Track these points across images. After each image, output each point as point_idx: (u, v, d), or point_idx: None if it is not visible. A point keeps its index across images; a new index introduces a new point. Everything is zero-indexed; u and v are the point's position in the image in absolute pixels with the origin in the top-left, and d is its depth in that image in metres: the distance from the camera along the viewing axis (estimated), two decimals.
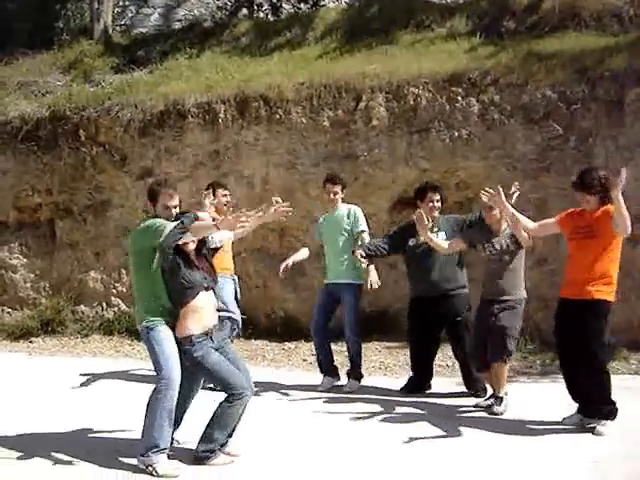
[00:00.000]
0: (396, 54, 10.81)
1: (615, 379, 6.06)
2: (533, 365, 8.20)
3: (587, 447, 5.49)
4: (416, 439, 5.75)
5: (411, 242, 7.29)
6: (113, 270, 11.07)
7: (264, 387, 7.58)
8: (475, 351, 6.63)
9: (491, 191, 6.16)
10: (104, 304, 11.17)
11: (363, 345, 7.91)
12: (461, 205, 9.27)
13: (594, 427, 5.78)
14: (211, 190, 7.54)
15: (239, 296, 7.76)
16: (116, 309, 10.96)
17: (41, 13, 15.01)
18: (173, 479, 4.99)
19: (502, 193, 6.07)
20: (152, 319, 5.24)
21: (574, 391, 6.02)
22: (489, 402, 6.64)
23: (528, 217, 6.44)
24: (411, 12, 12.00)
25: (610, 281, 5.83)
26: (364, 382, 7.65)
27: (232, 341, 6.52)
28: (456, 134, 9.47)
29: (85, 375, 8.36)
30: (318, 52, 11.74)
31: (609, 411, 5.81)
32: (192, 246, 5.33)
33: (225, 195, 7.78)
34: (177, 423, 5.43)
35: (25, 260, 11.76)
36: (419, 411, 6.65)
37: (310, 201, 9.68)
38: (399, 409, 6.72)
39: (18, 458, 5.42)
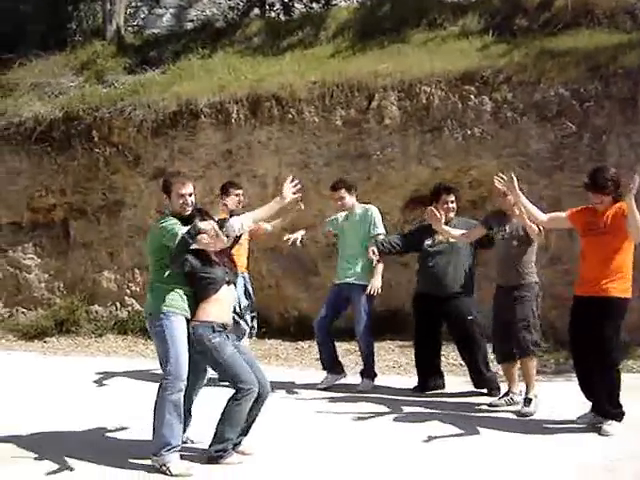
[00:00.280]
0: (408, 53, 10.79)
1: (629, 377, 6.04)
2: (547, 364, 8.17)
3: (599, 446, 5.47)
4: (429, 438, 5.74)
5: (427, 242, 7.29)
6: (127, 270, 11.11)
7: (277, 386, 7.55)
8: (496, 343, 6.63)
9: (504, 177, 6.16)
10: (118, 304, 11.21)
11: (376, 344, 7.91)
12: (474, 204, 9.25)
13: (601, 427, 5.76)
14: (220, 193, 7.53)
15: (251, 293, 7.77)
16: (130, 309, 11.00)
17: (54, 14, 15.04)
18: (187, 478, 5.00)
19: (515, 180, 6.05)
20: (169, 305, 5.21)
21: (587, 389, 6.00)
22: (504, 400, 6.65)
23: None
24: (423, 11, 11.97)
25: (624, 277, 5.80)
26: (377, 381, 7.65)
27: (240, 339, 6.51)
28: (469, 132, 9.45)
29: (99, 374, 8.40)
30: (330, 51, 11.72)
31: (616, 412, 5.79)
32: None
33: (237, 195, 7.76)
34: (186, 419, 5.44)
35: (39, 260, 11.82)
36: (432, 410, 6.65)
37: (323, 200, 9.67)
38: (412, 408, 6.71)
39: (33, 458, 5.44)
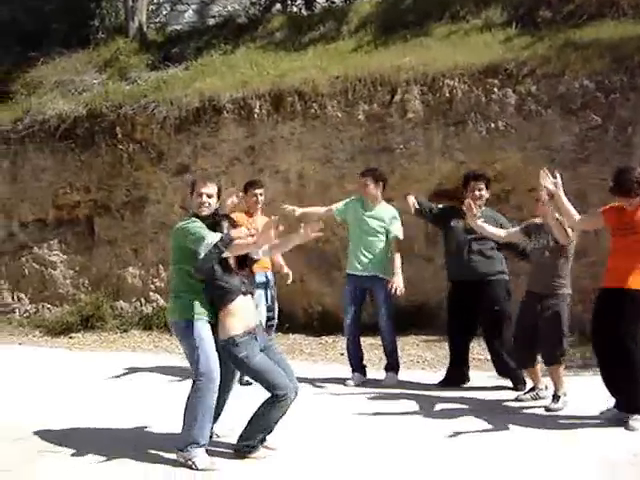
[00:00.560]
0: (431, 46, 10.75)
1: None
2: (573, 358, 8.08)
3: (624, 441, 5.43)
4: (454, 434, 5.71)
5: (453, 222, 7.25)
6: (151, 266, 11.16)
7: (301, 381, 7.55)
8: (518, 347, 6.59)
9: (548, 173, 6.06)
10: (143, 299, 11.27)
11: (401, 339, 7.89)
12: (498, 197, 9.17)
13: (627, 422, 5.72)
14: (231, 190, 7.47)
15: (273, 295, 7.72)
16: (154, 304, 11.05)
17: (77, 13, 15.13)
18: (212, 472, 5.01)
19: (560, 179, 5.98)
20: (194, 313, 5.22)
21: (611, 384, 5.95)
22: (530, 395, 6.62)
23: None
24: (445, 4, 11.92)
25: None
26: (402, 376, 7.63)
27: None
28: (493, 126, 9.40)
29: (125, 370, 8.44)
30: (352, 46, 11.71)
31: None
32: None
33: (255, 195, 7.70)
34: (216, 418, 5.46)
35: (64, 257, 11.91)
36: (458, 405, 6.62)
37: (346, 195, 9.61)
38: (438, 403, 6.68)
39: (59, 453, 5.47)
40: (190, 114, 11.06)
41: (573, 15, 10.66)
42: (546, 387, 6.62)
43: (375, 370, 7.82)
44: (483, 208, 7.19)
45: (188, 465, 5.04)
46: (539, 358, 6.57)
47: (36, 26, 14.60)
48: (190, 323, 5.21)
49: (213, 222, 5.33)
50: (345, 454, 5.32)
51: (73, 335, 10.94)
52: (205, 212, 5.36)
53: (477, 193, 7.13)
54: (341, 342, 9.11)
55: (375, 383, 7.51)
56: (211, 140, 10.92)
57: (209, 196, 5.38)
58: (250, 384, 7.13)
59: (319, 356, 9.13)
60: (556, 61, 9.32)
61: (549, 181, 5.99)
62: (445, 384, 7.34)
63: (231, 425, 5.38)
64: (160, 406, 6.43)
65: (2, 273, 12.34)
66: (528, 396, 6.65)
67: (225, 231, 5.23)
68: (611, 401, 5.97)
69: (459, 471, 4.92)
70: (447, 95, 9.66)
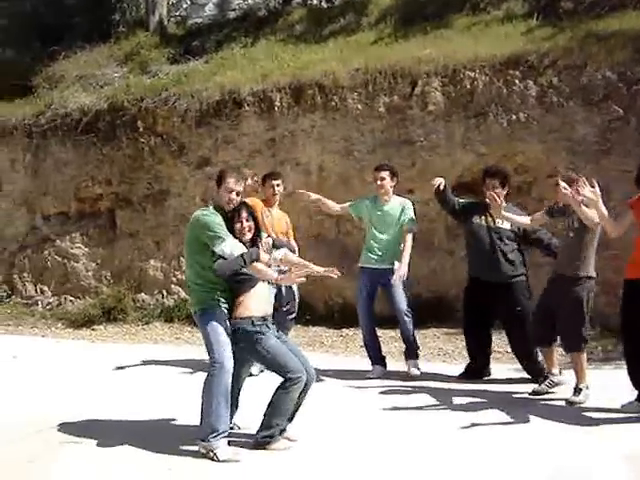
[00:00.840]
0: (452, 38, 10.71)
1: None
2: (594, 351, 8.05)
3: None
4: (475, 425, 5.72)
5: (475, 219, 7.22)
6: (173, 258, 11.21)
7: (322, 374, 7.60)
8: (535, 323, 6.57)
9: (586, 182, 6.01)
10: (164, 292, 11.33)
11: (421, 332, 7.89)
12: (519, 190, 9.14)
13: None
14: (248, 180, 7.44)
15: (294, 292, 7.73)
16: (176, 297, 11.10)
17: (97, 7, 15.19)
18: (234, 464, 5.04)
19: (598, 189, 5.95)
20: (208, 303, 5.30)
21: (635, 376, 5.93)
22: (545, 385, 6.57)
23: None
24: None
25: None
26: (423, 369, 7.63)
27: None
28: (514, 117, 9.35)
29: (147, 362, 8.49)
30: (373, 38, 11.69)
31: None
32: (248, 236, 5.37)
33: (272, 186, 7.70)
34: (234, 406, 5.49)
35: (87, 250, 11.99)
36: (478, 398, 6.61)
37: (366, 187, 9.63)
38: (458, 396, 6.67)
39: (81, 444, 5.52)
40: (211, 107, 11.09)
41: (595, 6, 10.56)
42: (560, 372, 6.60)
43: (395, 362, 7.81)
44: (504, 205, 7.16)
45: (210, 456, 5.07)
46: (557, 347, 6.56)
47: (58, 20, 14.69)
48: (206, 312, 5.29)
49: (232, 210, 5.37)
50: (364, 446, 5.34)
51: (95, 327, 11.02)
52: (231, 208, 5.38)
53: (496, 191, 7.08)
54: (361, 335, 9.13)
55: (396, 375, 7.51)
56: (232, 133, 10.95)
57: (238, 194, 5.41)
58: (251, 375, 7.21)
59: (339, 349, 9.15)
60: (578, 52, 9.26)
61: (587, 190, 5.95)
62: (465, 376, 7.34)
63: (252, 416, 5.40)
64: (181, 398, 6.46)
65: (25, 266, 12.45)
66: (543, 386, 6.60)
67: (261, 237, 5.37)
68: (633, 394, 5.95)
69: (479, 463, 4.92)
70: (468, 87, 9.63)
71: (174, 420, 6.12)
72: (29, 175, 12.50)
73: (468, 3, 11.72)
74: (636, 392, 5.95)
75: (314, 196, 7.91)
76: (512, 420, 5.89)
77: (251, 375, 7.09)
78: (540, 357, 6.93)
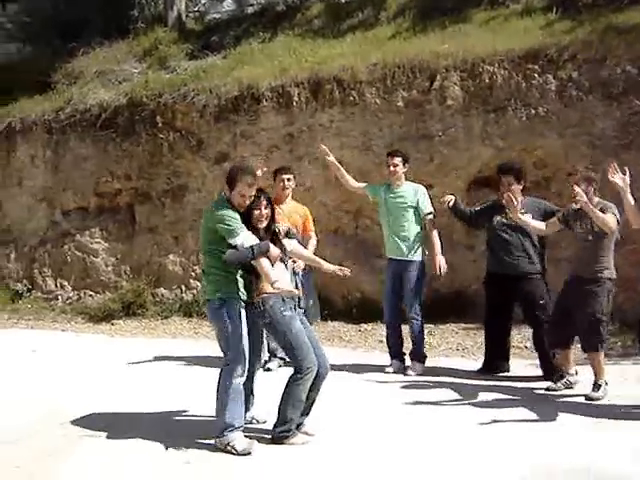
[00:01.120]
0: (470, 32, 10.65)
1: None
2: (614, 347, 8.02)
3: None
4: (493, 421, 5.72)
5: (496, 219, 7.19)
6: (191, 253, 11.23)
7: (341, 368, 7.62)
8: (552, 326, 6.54)
9: (617, 168, 5.99)
10: (183, 286, 11.37)
11: (440, 327, 7.87)
12: (538, 184, 9.10)
13: None
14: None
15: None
16: (195, 291, 11.13)
17: (116, 3, 15.23)
18: (252, 458, 5.04)
19: (629, 177, 5.92)
20: (227, 293, 5.28)
21: None
22: (561, 384, 6.56)
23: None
24: None
25: None
26: (442, 364, 7.62)
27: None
28: (533, 112, 9.30)
29: (165, 356, 8.54)
30: (391, 32, 11.64)
31: None
32: (264, 224, 5.39)
33: (283, 180, 7.68)
34: (249, 400, 5.51)
35: (106, 245, 12.05)
36: (496, 393, 6.60)
37: (384, 175, 9.66)
38: (475, 391, 6.67)
39: (100, 437, 5.56)
40: (229, 102, 11.11)
41: None
42: (576, 372, 6.58)
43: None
44: (520, 198, 7.14)
45: (228, 450, 5.09)
46: (575, 347, 6.54)
47: (77, 17, 14.73)
48: (223, 303, 5.27)
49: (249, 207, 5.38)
50: (381, 441, 5.35)
51: (115, 322, 11.08)
52: (242, 211, 5.35)
53: (512, 187, 7.06)
54: (380, 329, 9.11)
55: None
56: (250, 128, 10.96)
57: (251, 197, 5.36)
58: (270, 370, 7.24)
59: (358, 343, 9.15)
60: (598, 46, 9.18)
61: (618, 176, 5.92)
62: (484, 372, 7.33)
63: (271, 410, 5.42)
64: (199, 392, 6.47)
65: (45, 261, 12.53)
66: (559, 384, 6.59)
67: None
68: None
69: (496, 457, 4.92)
70: (487, 81, 9.59)
71: (192, 414, 6.15)
72: (49, 171, 12.58)
73: None
74: None
75: (332, 158, 7.86)
76: (530, 415, 5.88)
77: (269, 370, 7.17)
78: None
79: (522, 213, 6.86)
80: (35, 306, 12.21)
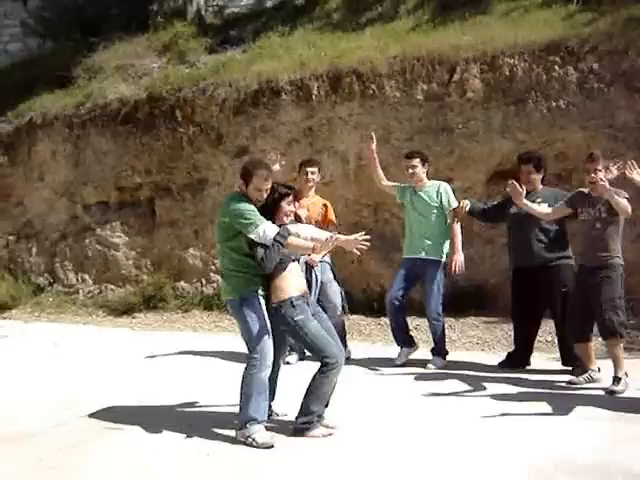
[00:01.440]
0: (490, 24, 10.58)
1: None
2: (635, 341, 7.97)
3: None
4: (511, 415, 5.71)
5: (512, 210, 7.14)
6: (212, 247, 11.19)
7: (360, 362, 7.66)
8: (571, 320, 6.50)
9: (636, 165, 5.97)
10: (203, 280, 11.39)
11: (460, 320, 7.84)
12: (560, 177, 9.04)
13: None
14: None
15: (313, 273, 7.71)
16: (215, 285, 11.13)
17: None
18: (273, 450, 5.05)
19: None
20: (245, 291, 5.31)
21: None
22: (583, 378, 6.50)
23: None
24: None
25: None
26: (462, 357, 7.61)
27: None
28: (554, 104, 9.24)
29: (186, 350, 8.58)
30: (410, 25, 11.59)
31: None
32: (288, 221, 5.41)
33: (307, 173, 7.71)
34: (271, 393, 5.52)
35: (127, 238, 12.10)
36: (517, 386, 6.58)
37: (404, 176, 9.62)
38: (496, 385, 6.65)
39: (122, 430, 5.60)
40: (249, 96, 11.11)
41: None
42: (599, 369, 6.54)
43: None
44: (540, 187, 7.11)
45: (249, 443, 5.11)
46: (594, 339, 6.50)
47: (97, 12, 14.79)
48: (244, 300, 5.29)
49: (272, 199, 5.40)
50: (401, 435, 5.34)
51: (136, 315, 11.15)
52: (259, 205, 5.37)
53: (532, 177, 7.05)
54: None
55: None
56: (269, 122, 10.96)
57: (267, 191, 5.38)
58: (289, 363, 7.26)
59: (377, 337, 9.15)
60: (619, 37, 9.10)
61: (636, 172, 5.91)
62: (506, 365, 7.31)
63: (291, 403, 5.43)
64: (220, 385, 6.52)
65: (66, 255, 12.61)
66: (581, 379, 6.55)
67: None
68: None
69: (514, 450, 4.91)
70: (507, 73, 9.53)
71: (213, 407, 6.18)
72: (70, 165, 12.64)
73: None
74: None
75: (373, 147, 7.84)
76: (550, 409, 5.86)
77: (288, 364, 7.19)
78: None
79: (539, 202, 6.85)
80: (56, 300, 12.30)
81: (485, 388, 6.55)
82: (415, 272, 7.59)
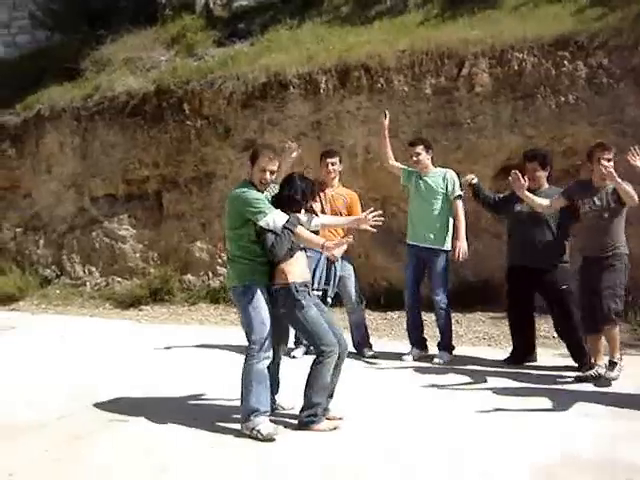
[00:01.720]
0: (499, 19, 10.54)
1: None
2: None
3: None
4: (516, 410, 5.71)
5: (517, 207, 7.13)
6: (219, 240, 11.22)
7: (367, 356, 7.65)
8: (583, 313, 6.49)
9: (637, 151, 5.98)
10: (210, 273, 11.41)
11: (467, 315, 7.81)
12: (568, 173, 9.01)
13: None
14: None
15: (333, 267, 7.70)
16: (222, 278, 11.14)
17: None
18: (278, 443, 5.05)
19: None
20: (250, 279, 5.30)
21: None
22: (590, 374, 6.45)
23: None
24: None
25: None
26: (469, 352, 7.60)
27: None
28: (563, 99, 9.21)
29: (193, 342, 8.59)
30: (419, 19, 11.55)
31: None
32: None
33: (327, 164, 7.72)
34: (274, 385, 5.53)
35: (134, 231, 12.13)
36: (522, 382, 6.59)
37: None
38: (501, 380, 6.65)
39: (132, 422, 5.62)
40: (256, 90, 11.11)
41: None
42: (606, 365, 6.51)
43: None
44: (546, 186, 7.09)
45: (253, 435, 5.11)
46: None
47: (105, 4, 14.79)
48: (247, 289, 5.29)
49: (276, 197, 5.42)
50: (407, 429, 5.35)
51: (142, 308, 11.17)
52: (264, 189, 5.38)
53: (537, 174, 7.04)
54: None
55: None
56: (277, 115, 10.95)
57: (272, 172, 5.38)
58: (295, 357, 7.27)
59: (384, 331, 9.14)
60: (629, 32, 9.05)
61: (639, 159, 5.92)
62: (511, 361, 7.29)
63: (296, 397, 5.43)
64: (226, 378, 6.50)
65: (74, 247, 12.64)
66: (588, 374, 6.50)
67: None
68: None
69: (519, 446, 4.91)
70: (516, 68, 9.50)
71: (218, 399, 6.19)
72: (77, 157, 12.66)
73: None
74: None
75: (386, 124, 7.88)
76: (556, 405, 5.85)
77: (294, 358, 7.19)
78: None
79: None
80: (64, 292, 12.33)
81: (490, 383, 6.54)
82: (422, 261, 7.59)
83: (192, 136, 11.60)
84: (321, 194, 7.48)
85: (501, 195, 7.57)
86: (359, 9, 12.67)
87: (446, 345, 7.58)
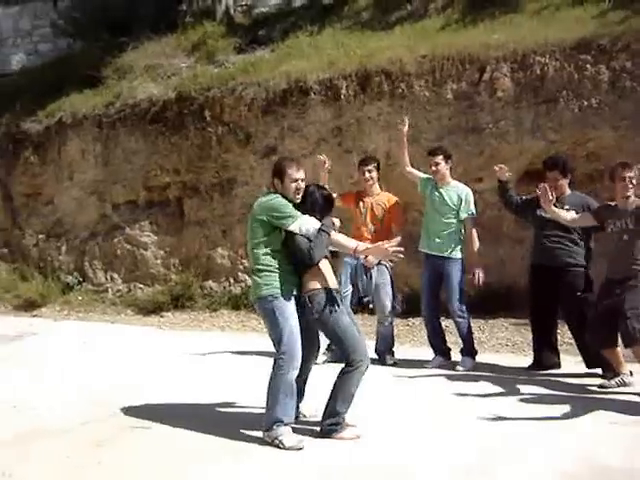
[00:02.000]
0: (521, 23, 10.50)
1: None
2: None
3: None
4: (539, 418, 5.65)
5: (539, 212, 7.08)
6: (240, 246, 11.24)
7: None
8: (595, 327, 6.40)
9: None
10: (231, 279, 11.42)
11: (489, 322, 7.76)
12: (591, 177, 8.96)
13: None
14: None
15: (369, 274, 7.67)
16: (243, 284, 11.16)
17: None
18: (300, 452, 5.02)
19: None
20: (278, 289, 5.25)
21: None
22: (615, 382, 6.41)
23: None
24: None
25: None
26: (492, 360, 7.54)
27: None
28: (585, 103, 9.15)
29: (214, 349, 8.58)
30: (440, 24, 11.52)
31: None
32: None
33: (364, 172, 7.71)
34: (299, 395, 5.49)
35: (155, 238, 12.16)
36: (545, 389, 6.53)
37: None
38: (525, 387, 6.59)
39: (153, 429, 5.60)
40: (277, 96, 11.12)
41: None
42: (631, 373, 6.44)
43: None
44: (568, 192, 7.04)
45: (275, 444, 5.07)
46: (620, 343, 6.41)
47: (126, 12, 14.85)
48: (275, 298, 5.24)
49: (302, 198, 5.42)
50: (429, 437, 5.30)
51: (164, 314, 11.20)
52: (299, 199, 5.38)
53: (559, 183, 7.00)
54: None
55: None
56: (298, 122, 10.95)
57: (302, 180, 5.39)
58: (316, 363, 7.24)
59: (406, 338, 9.10)
60: None
61: None
62: (534, 368, 7.23)
63: (319, 405, 5.40)
64: (248, 385, 6.50)
65: (96, 253, 12.69)
66: (612, 382, 6.45)
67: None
68: None
69: (542, 452, 4.85)
70: (538, 72, 9.45)
71: (241, 407, 6.18)
72: (99, 164, 12.73)
73: None
74: None
75: (404, 132, 7.86)
76: (580, 412, 5.78)
77: (315, 364, 7.13)
78: None
79: (567, 209, 6.78)
80: (85, 298, 12.38)
81: (514, 391, 6.48)
82: (437, 270, 7.57)
83: (213, 142, 11.63)
84: (360, 202, 7.51)
85: (524, 197, 7.52)
86: (379, 14, 12.66)
87: (469, 351, 7.54)
